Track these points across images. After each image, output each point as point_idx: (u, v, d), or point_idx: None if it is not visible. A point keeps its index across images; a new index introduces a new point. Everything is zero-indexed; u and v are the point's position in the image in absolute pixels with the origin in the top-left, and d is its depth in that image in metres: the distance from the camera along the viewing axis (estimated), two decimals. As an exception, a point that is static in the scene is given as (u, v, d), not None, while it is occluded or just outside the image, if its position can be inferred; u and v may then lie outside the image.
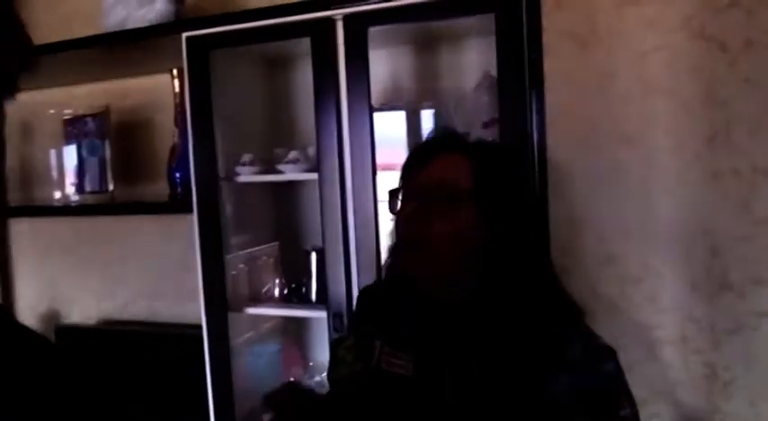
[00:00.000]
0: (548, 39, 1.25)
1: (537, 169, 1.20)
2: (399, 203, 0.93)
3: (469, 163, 0.90)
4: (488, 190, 0.89)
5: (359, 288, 1.31)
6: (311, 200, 1.59)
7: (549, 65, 1.25)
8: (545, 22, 1.24)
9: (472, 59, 1.45)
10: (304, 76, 1.58)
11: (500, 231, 0.89)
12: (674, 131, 1.23)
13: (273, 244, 1.62)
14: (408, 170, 0.94)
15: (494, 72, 1.23)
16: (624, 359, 0.84)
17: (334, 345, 1.03)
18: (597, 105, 1.26)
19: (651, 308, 1.27)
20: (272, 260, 1.59)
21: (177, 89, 1.59)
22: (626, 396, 0.87)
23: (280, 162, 1.46)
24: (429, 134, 1.06)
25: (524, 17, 1.19)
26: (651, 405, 1.26)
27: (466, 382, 0.86)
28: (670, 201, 1.25)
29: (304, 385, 1.17)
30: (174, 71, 1.59)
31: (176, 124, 1.61)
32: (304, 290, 1.50)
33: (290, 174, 1.45)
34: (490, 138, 1.24)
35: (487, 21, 1.22)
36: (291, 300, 1.51)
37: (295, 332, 1.67)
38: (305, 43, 1.36)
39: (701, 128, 1.22)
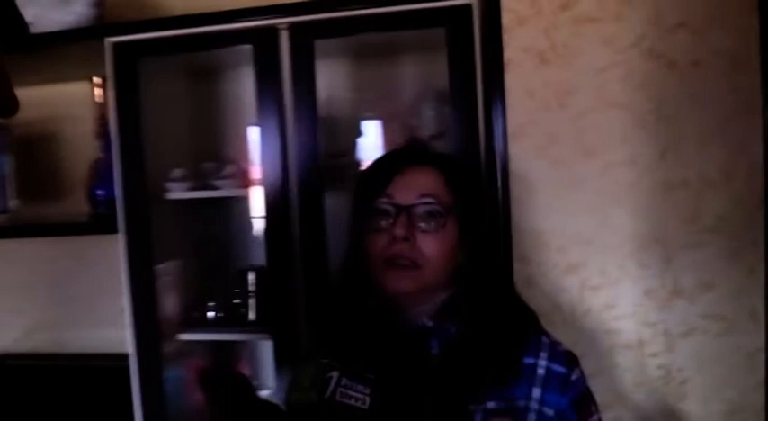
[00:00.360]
0: (509, 54, 1.31)
1: (500, 181, 1.25)
2: (371, 219, 0.92)
3: (442, 176, 0.91)
4: (467, 205, 0.90)
5: (306, 308, 1.28)
6: (242, 216, 1.54)
7: (510, 79, 1.30)
8: (506, 37, 1.30)
9: (413, 73, 1.48)
10: (232, 88, 1.56)
11: (477, 249, 0.90)
12: (628, 145, 1.29)
13: (190, 262, 1.54)
14: (375, 184, 0.92)
15: (441, 85, 1.26)
16: (585, 365, 0.88)
17: (296, 368, 0.99)
18: (557, 119, 1.30)
19: (609, 314, 1.32)
20: (197, 280, 1.53)
21: (100, 99, 1.50)
22: (592, 401, 0.91)
23: (210, 177, 1.43)
24: (393, 147, 1.07)
25: (477, 32, 1.23)
26: (612, 409, 1.31)
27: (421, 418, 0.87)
28: (625, 211, 1.31)
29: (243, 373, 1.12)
30: (96, 79, 1.50)
31: (98, 137, 1.51)
32: (243, 311, 1.44)
33: (227, 189, 1.41)
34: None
35: (430, 35, 1.26)
36: (226, 323, 1.44)
37: (220, 354, 1.56)
38: (235, 53, 1.34)
39: (653, 141, 1.28)
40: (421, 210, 0.87)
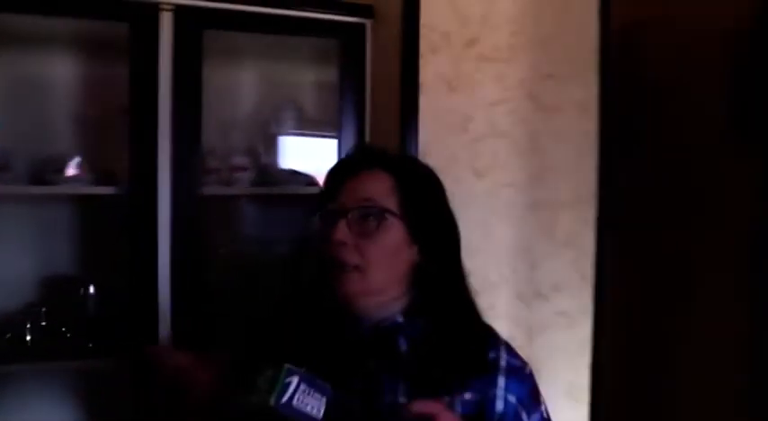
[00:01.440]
0: (424, 78, 1.42)
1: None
2: (321, 224, 0.94)
3: (391, 180, 0.97)
4: (414, 207, 0.98)
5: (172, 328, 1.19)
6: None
7: (424, 102, 1.41)
8: (422, 61, 1.41)
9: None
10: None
11: (430, 248, 0.99)
12: (509, 169, 1.52)
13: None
14: (329, 189, 0.96)
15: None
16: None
17: (254, 371, 0.95)
18: (459, 142, 1.47)
19: (490, 314, 1.52)
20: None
21: None
22: (540, 393, 1.07)
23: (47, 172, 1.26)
24: (348, 151, 1.09)
25: (369, 49, 1.33)
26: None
27: (417, 388, 0.93)
28: (505, 225, 1.53)
29: None
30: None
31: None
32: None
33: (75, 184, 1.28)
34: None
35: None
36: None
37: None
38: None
39: (527, 167, 1.54)
40: (357, 214, 0.92)
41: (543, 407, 1.03)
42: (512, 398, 0.97)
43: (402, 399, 0.91)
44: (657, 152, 1.64)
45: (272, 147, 1.67)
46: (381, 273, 0.91)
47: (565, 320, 1.57)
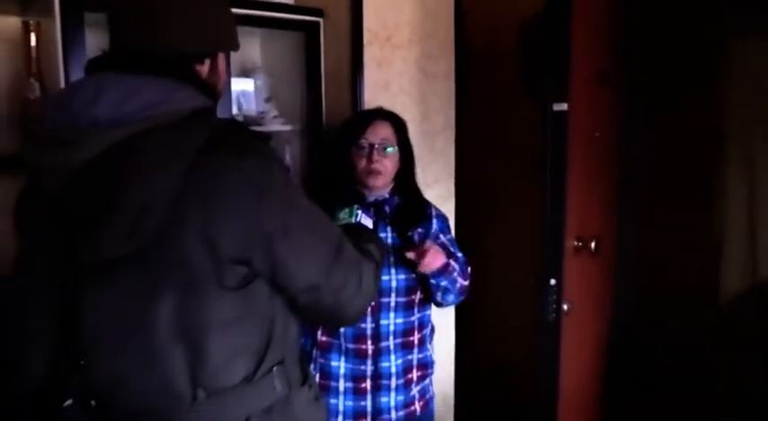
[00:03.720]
0: (365, 60, 2.41)
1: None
2: (355, 151, 1.97)
3: (392, 127, 2.03)
4: (401, 141, 2.05)
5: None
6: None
7: (366, 74, 2.41)
8: (365, 50, 2.40)
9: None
10: None
11: (404, 161, 2.06)
12: (410, 112, 2.57)
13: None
14: (358, 130, 1.99)
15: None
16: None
17: (337, 209, 1.83)
18: (383, 98, 2.47)
19: (402, 197, 2.62)
20: None
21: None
22: None
23: None
24: (366, 109, 2.12)
25: (322, 41, 2.31)
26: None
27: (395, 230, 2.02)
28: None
29: None
30: None
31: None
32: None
33: None
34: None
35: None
36: None
37: None
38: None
39: (419, 110, 2.61)
40: (380, 146, 1.97)
41: (452, 234, 2.16)
42: (443, 238, 2.08)
43: (387, 235, 1.97)
44: (480, 101, 2.84)
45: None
46: (390, 176, 1.95)
47: (440, 201, 2.71)
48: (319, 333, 1.96)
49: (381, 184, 1.96)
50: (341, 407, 1.95)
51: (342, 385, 1.94)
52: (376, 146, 1.92)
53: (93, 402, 1.24)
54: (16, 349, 1.30)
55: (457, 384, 2.92)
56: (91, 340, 1.17)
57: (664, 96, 2.79)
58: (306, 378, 1.33)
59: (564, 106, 2.21)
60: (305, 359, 1.37)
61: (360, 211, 1.77)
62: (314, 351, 1.97)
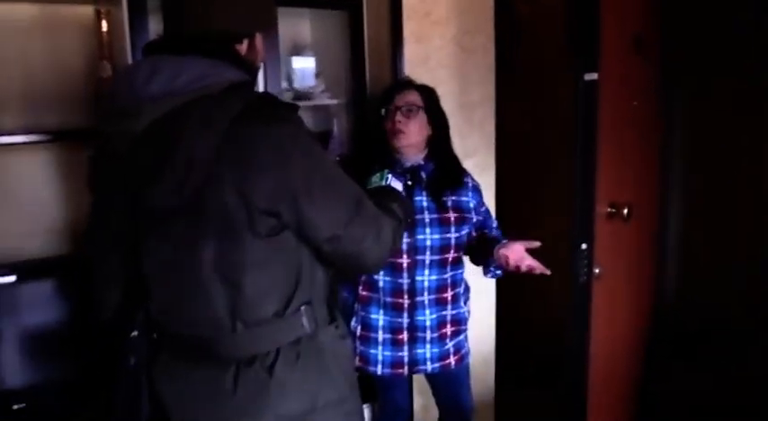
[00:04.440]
0: (405, 35, 2.55)
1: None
2: (386, 115, 2.13)
3: (419, 94, 2.17)
4: (430, 107, 2.18)
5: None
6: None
7: (406, 49, 2.55)
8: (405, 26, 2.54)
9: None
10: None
11: (436, 127, 2.20)
12: (448, 85, 2.70)
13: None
14: (388, 98, 2.14)
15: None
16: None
17: (371, 174, 1.96)
18: (422, 71, 2.61)
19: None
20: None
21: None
22: None
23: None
24: (396, 80, 2.28)
25: (364, 24, 2.46)
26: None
27: (430, 194, 2.17)
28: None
29: None
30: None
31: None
32: None
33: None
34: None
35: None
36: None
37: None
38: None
39: (457, 84, 2.73)
40: (404, 108, 2.11)
41: (485, 205, 2.30)
42: (475, 199, 2.22)
43: (422, 198, 2.12)
44: (522, 73, 2.92)
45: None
46: (415, 136, 2.10)
47: (478, 170, 2.83)
48: (360, 288, 2.15)
49: (406, 145, 2.10)
50: (380, 357, 2.14)
51: (381, 336, 2.14)
52: (401, 108, 2.08)
53: (154, 334, 1.48)
54: (94, 291, 1.55)
55: (498, 345, 3.06)
56: (151, 281, 1.40)
57: (703, 61, 2.79)
58: (333, 319, 1.52)
59: (594, 76, 2.28)
60: (334, 303, 1.55)
61: (390, 175, 1.94)
62: (356, 305, 2.16)
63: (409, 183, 2.10)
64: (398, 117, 2.07)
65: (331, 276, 1.51)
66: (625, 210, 2.54)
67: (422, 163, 2.17)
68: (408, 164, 2.14)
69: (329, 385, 1.44)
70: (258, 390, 1.35)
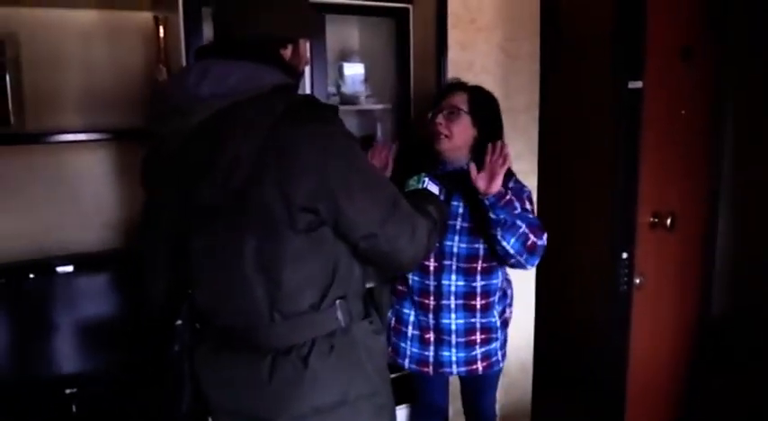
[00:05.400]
0: (449, 42, 2.59)
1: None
2: (433, 116, 2.14)
3: (467, 95, 2.18)
4: (476, 109, 2.19)
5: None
6: None
7: (450, 55, 2.59)
8: (449, 33, 2.57)
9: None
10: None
11: (482, 131, 2.21)
12: (492, 90, 2.73)
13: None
14: (437, 100, 2.16)
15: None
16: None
17: (408, 178, 1.97)
18: (467, 77, 2.62)
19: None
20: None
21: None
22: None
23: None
24: (446, 81, 2.32)
25: (411, 25, 2.50)
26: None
27: (467, 200, 2.19)
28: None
29: None
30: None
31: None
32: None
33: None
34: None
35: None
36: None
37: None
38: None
39: (502, 90, 2.76)
40: (447, 111, 2.12)
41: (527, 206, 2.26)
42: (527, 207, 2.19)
43: (458, 204, 2.14)
44: (569, 81, 2.91)
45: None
46: (458, 140, 2.11)
47: (522, 175, 2.83)
48: (397, 283, 2.20)
49: (447, 148, 2.10)
50: (408, 352, 2.19)
51: (410, 331, 2.18)
52: (443, 111, 2.10)
53: (197, 325, 1.56)
54: (144, 284, 1.64)
55: (536, 352, 3.06)
56: (196, 274, 1.48)
57: (757, 73, 2.73)
58: (368, 314, 1.56)
59: (639, 84, 2.27)
60: (369, 299, 1.60)
61: (426, 179, 1.96)
62: (392, 298, 2.21)
63: (441, 188, 2.11)
64: (439, 119, 2.09)
65: (371, 275, 1.55)
66: (668, 220, 2.51)
67: (465, 167, 2.20)
68: (450, 167, 2.16)
69: (361, 378, 1.49)
70: (292, 380, 1.41)
